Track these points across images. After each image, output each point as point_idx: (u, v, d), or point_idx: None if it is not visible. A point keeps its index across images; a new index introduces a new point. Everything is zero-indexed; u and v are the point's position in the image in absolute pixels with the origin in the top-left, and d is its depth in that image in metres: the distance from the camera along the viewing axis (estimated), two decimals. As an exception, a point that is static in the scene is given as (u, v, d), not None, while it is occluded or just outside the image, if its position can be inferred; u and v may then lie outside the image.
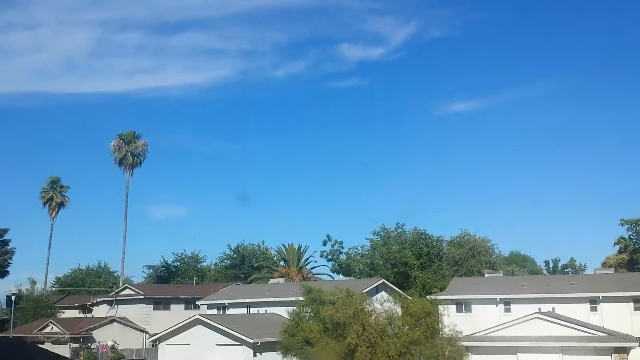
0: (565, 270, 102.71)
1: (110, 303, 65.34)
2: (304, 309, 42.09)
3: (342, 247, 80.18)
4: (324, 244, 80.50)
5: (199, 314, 49.99)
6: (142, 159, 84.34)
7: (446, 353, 35.29)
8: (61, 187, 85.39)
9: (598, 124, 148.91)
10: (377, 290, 52.90)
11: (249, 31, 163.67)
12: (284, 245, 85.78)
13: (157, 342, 50.09)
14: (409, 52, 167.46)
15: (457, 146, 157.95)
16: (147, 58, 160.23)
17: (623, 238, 70.47)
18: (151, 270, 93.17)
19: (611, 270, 53.08)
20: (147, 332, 58.55)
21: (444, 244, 75.77)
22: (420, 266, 68.29)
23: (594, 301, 43.41)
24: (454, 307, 45.55)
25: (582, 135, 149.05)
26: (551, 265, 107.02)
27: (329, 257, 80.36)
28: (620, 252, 71.55)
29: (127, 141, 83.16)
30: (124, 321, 60.64)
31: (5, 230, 73.50)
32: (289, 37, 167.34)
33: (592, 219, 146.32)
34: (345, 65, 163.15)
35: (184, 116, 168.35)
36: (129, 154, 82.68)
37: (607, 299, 42.85)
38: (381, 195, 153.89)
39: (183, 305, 63.63)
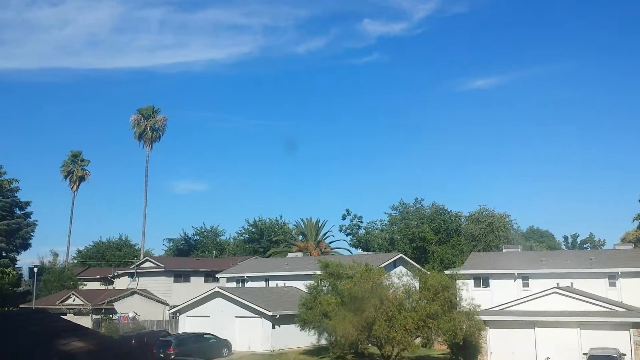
0: (584, 246, 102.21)
1: (131, 275, 66.15)
2: (322, 282, 42.41)
3: (361, 222, 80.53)
4: (343, 218, 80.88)
5: (219, 287, 50.55)
6: (161, 134, 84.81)
7: (464, 327, 35.43)
8: (82, 161, 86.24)
9: (619, 99, 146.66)
10: (394, 264, 53.01)
11: (271, 7, 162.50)
12: (302, 220, 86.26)
13: (178, 313, 50.81)
14: (431, 27, 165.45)
15: (477, 122, 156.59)
16: (169, 34, 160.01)
17: (643, 213, 69.64)
18: (171, 244, 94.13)
19: (630, 246, 52.66)
20: (167, 304, 59.28)
21: (462, 220, 75.59)
22: (438, 241, 68.30)
23: (612, 276, 43.18)
24: (472, 281, 45.65)
25: (602, 111, 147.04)
26: (570, 240, 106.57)
27: (348, 231, 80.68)
28: (639, 227, 70.83)
29: (146, 116, 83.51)
30: (145, 293, 61.41)
31: (28, 203, 74.47)
32: (310, 12, 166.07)
33: (612, 194, 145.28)
34: (367, 41, 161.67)
35: (205, 92, 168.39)
36: (148, 129, 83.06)
37: (626, 275, 42.60)
38: (400, 170, 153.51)
39: (203, 278, 64.22)
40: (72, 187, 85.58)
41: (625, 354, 35.09)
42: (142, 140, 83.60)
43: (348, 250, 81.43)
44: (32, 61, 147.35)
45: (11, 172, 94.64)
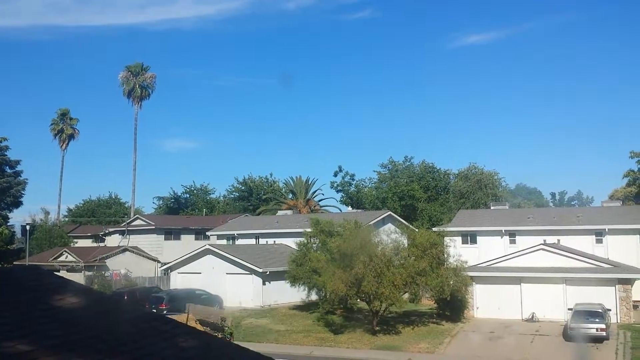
0: (572, 203, 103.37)
1: (122, 233, 66.45)
2: (312, 240, 42.89)
3: (353, 179, 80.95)
4: (335, 175, 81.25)
5: (209, 244, 50.98)
6: (150, 92, 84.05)
7: (451, 282, 36.07)
8: (71, 119, 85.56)
9: (610, 55, 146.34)
10: (383, 222, 53.50)
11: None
12: (291, 178, 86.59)
13: (169, 270, 51.33)
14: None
15: (468, 79, 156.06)
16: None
17: (632, 171, 70.24)
18: (161, 202, 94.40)
19: (618, 203, 53.28)
20: (158, 261, 59.76)
21: (451, 177, 76.09)
22: (427, 199, 68.85)
23: (599, 233, 43.82)
24: (459, 238, 46.21)
25: (593, 66, 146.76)
26: (558, 197, 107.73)
27: (339, 188, 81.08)
28: (628, 185, 71.52)
29: (135, 73, 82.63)
30: (136, 250, 61.80)
31: (18, 162, 74.20)
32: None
33: (602, 151, 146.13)
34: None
35: (194, 49, 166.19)
36: (137, 86, 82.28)
37: (613, 232, 43.24)
38: (392, 128, 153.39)
39: (193, 236, 64.60)
40: (61, 146, 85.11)
41: (610, 310, 35.85)
42: (131, 98, 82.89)
43: (337, 208, 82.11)
44: (22, 19, 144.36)
45: (0, 130, 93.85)
